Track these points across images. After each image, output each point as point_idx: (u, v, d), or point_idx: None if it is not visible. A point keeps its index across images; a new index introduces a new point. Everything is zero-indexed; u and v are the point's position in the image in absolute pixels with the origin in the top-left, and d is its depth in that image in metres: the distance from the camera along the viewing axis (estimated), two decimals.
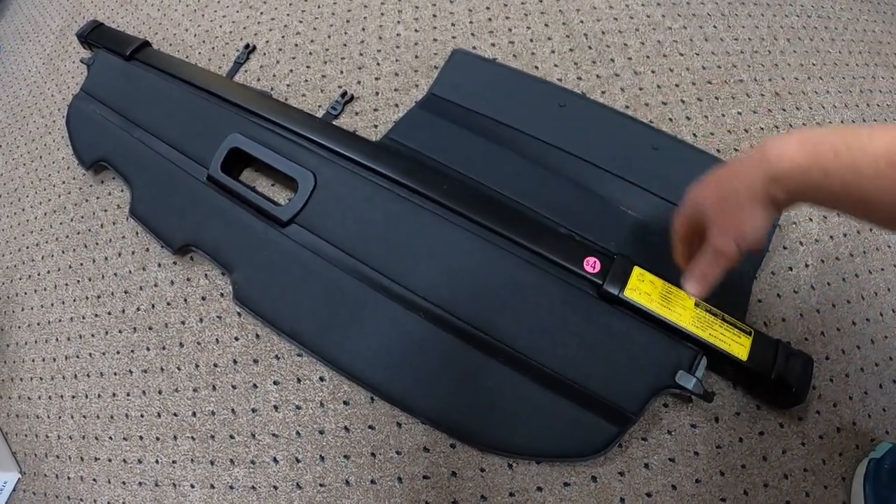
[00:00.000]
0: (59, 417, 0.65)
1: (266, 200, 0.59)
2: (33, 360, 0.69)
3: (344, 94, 0.68)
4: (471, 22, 0.73)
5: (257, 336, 0.58)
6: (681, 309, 0.49)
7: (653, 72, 0.67)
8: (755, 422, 0.50)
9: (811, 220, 0.60)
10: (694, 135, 0.63)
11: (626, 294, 0.49)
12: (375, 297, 0.53)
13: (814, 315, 0.55)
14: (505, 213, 0.55)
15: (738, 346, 0.48)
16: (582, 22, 0.71)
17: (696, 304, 0.49)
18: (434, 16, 0.74)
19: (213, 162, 0.62)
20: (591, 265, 0.51)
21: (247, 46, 0.77)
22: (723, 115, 0.65)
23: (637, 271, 0.51)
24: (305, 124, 0.62)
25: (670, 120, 0.64)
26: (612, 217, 0.56)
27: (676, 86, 0.66)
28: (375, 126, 0.67)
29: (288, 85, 0.72)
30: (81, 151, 0.72)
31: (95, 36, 0.78)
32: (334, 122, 0.67)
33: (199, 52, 0.80)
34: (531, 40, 0.70)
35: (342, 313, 0.54)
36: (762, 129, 0.64)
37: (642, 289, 0.50)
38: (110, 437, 0.60)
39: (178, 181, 0.64)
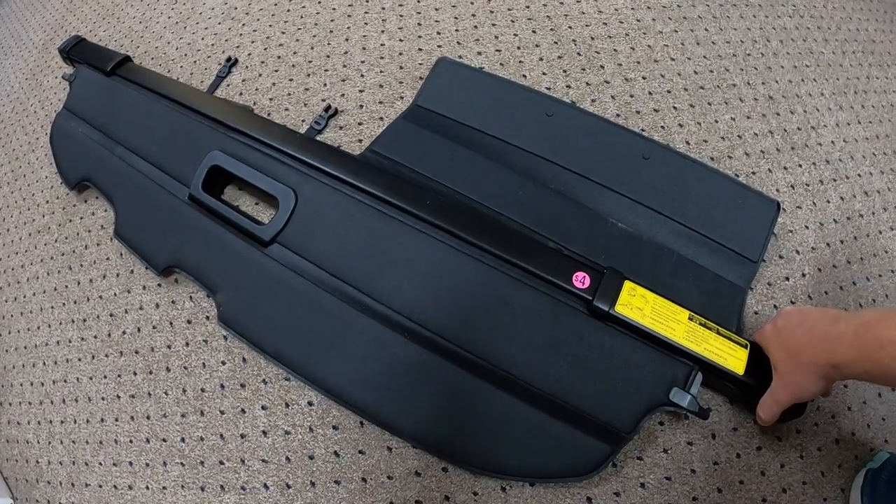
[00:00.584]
0: (49, 443, 0.64)
1: (247, 220, 0.58)
2: (21, 385, 0.69)
3: (328, 108, 0.67)
4: (456, 30, 0.71)
5: (244, 360, 0.57)
6: (674, 323, 0.48)
7: (644, 78, 0.66)
8: (752, 437, 0.50)
9: (807, 227, 0.59)
10: (687, 142, 0.62)
11: (617, 309, 0.48)
12: (360, 318, 0.52)
13: None
14: (491, 228, 0.54)
15: (734, 359, 0.47)
16: (570, 28, 0.70)
17: (690, 318, 0.48)
18: (419, 24, 0.73)
19: (194, 181, 0.61)
20: (581, 280, 0.50)
21: (229, 59, 0.75)
22: (716, 122, 0.63)
23: (628, 286, 0.49)
24: (285, 140, 0.60)
25: (662, 128, 0.63)
26: (601, 230, 0.54)
27: (668, 92, 0.65)
28: (360, 140, 0.66)
29: (270, 99, 0.71)
30: (66, 171, 0.71)
31: (77, 51, 0.77)
32: (318, 138, 0.66)
33: (181, 66, 0.79)
34: (518, 48, 0.69)
35: (326, 335, 0.53)
36: (756, 134, 0.63)
37: (633, 304, 0.49)
38: (100, 463, 0.59)
39: (160, 201, 0.62)
